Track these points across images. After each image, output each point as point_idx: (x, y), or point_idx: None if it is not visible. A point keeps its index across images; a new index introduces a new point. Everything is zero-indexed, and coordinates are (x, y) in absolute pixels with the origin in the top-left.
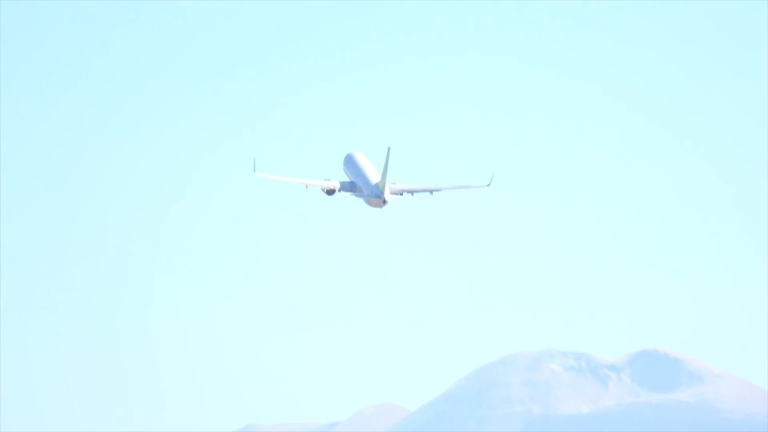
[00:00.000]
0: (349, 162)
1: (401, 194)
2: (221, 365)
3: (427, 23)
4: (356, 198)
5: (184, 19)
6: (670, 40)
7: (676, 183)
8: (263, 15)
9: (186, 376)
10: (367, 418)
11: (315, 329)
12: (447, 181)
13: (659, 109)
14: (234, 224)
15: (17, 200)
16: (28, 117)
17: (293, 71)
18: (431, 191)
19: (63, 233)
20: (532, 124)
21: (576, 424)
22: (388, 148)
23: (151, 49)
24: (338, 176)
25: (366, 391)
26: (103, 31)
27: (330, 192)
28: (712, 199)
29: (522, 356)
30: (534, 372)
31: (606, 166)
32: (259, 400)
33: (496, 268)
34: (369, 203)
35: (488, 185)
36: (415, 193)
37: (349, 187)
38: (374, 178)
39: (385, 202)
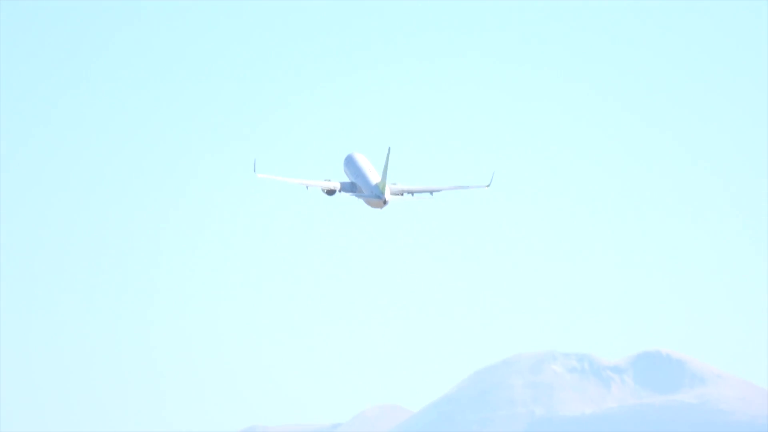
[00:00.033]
0: (350, 162)
1: (401, 195)
2: (224, 366)
3: (427, 23)
4: (356, 198)
5: (185, 20)
6: (669, 40)
7: (677, 184)
8: (263, 15)
9: (188, 376)
10: (369, 419)
11: (317, 330)
12: (447, 182)
13: (661, 110)
14: (235, 225)
15: (17, 200)
16: (28, 117)
17: (294, 72)
18: (431, 192)
19: (64, 233)
20: (532, 124)
21: (579, 426)
22: (389, 149)
23: (152, 50)
24: (338, 177)
25: (368, 393)
26: (104, 31)
27: (330, 192)
28: (714, 201)
29: (524, 358)
30: (536, 373)
31: (607, 166)
32: (262, 401)
33: (498, 269)
34: (369, 204)
35: (488, 186)
36: (415, 194)
37: (350, 187)
38: (374, 178)
39: (385, 202)
